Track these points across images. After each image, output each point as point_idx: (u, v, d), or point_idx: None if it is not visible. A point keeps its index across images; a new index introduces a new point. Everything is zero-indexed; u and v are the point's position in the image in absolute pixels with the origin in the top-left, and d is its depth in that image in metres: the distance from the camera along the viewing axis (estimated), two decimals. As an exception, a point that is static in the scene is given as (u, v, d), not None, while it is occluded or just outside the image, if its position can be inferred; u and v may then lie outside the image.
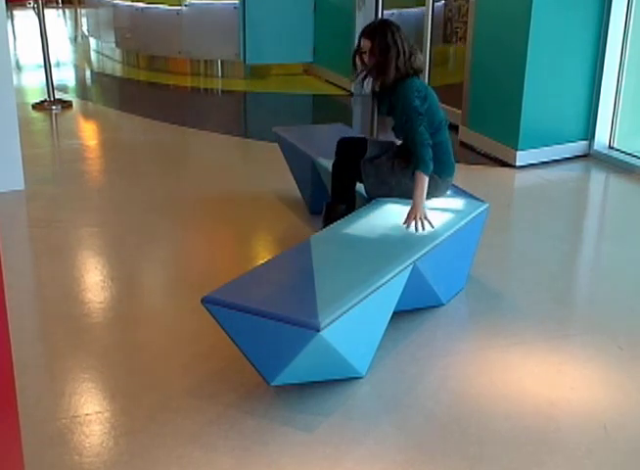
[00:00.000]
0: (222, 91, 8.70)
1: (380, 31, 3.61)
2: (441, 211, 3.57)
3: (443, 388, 2.95)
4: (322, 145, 4.43)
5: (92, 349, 3.23)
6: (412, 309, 3.43)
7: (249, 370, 2.86)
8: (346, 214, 3.62)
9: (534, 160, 5.65)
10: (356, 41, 3.74)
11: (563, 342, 3.31)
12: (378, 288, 2.85)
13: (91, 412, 2.78)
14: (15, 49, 10.46)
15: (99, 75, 9.41)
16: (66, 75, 9.07)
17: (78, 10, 13.26)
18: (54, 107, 7.20)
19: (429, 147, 3.48)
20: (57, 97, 7.32)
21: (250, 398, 2.86)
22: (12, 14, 12.05)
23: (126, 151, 6.13)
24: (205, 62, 8.95)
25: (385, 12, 7.72)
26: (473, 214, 3.59)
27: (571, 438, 2.69)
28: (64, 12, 14.04)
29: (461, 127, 6.18)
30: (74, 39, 11.61)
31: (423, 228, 3.36)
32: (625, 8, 5.51)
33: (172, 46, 8.97)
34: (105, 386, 2.98)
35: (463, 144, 6.10)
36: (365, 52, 3.64)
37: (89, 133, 6.90)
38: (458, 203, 3.69)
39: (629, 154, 5.64)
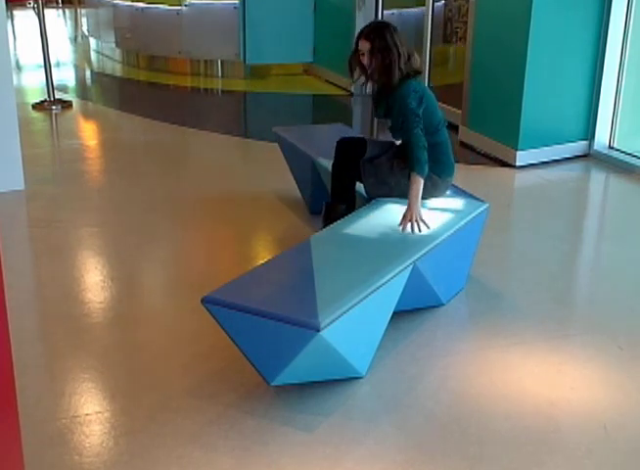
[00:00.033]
0: (222, 91, 8.69)
1: (378, 33, 3.59)
2: (441, 212, 3.57)
3: (443, 388, 2.95)
4: (322, 145, 4.43)
5: (92, 349, 3.23)
6: (412, 309, 3.43)
7: (249, 370, 2.86)
8: (346, 214, 3.61)
9: (534, 160, 5.65)
10: (353, 44, 3.71)
11: (563, 342, 3.31)
12: (378, 288, 2.85)
13: (91, 412, 2.78)
14: (15, 49, 10.46)
15: (99, 75, 9.41)
16: (66, 75, 9.06)
17: (78, 10, 13.26)
18: (54, 107, 7.20)
19: (424, 149, 3.48)
20: (57, 97, 7.32)
21: (250, 398, 2.86)
22: (12, 14, 12.05)
23: (126, 151, 6.13)
24: (205, 62, 8.95)
25: (385, 12, 7.76)
26: (473, 214, 3.59)
27: (571, 438, 2.69)
28: (64, 12, 14.04)
29: (461, 127, 6.18)
30: (74, 39, 11.61)
31: (419, 230, 3.36)
32: (625, 8, 5.51)
33: (172, 46, 8.97)
34: (105, 386, 2.98)
35: (463, 144, 6.10)
36: (364, 54, 3.62)
37: (89, 133, 6.90)
38: (458, 203, 3.69)
39: (629, 154, 5.63)
